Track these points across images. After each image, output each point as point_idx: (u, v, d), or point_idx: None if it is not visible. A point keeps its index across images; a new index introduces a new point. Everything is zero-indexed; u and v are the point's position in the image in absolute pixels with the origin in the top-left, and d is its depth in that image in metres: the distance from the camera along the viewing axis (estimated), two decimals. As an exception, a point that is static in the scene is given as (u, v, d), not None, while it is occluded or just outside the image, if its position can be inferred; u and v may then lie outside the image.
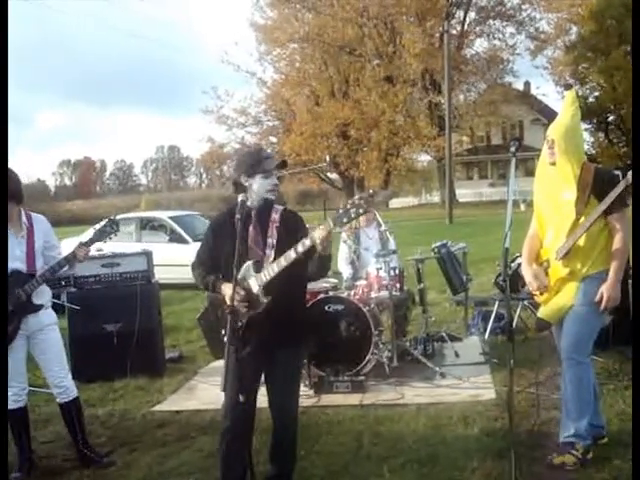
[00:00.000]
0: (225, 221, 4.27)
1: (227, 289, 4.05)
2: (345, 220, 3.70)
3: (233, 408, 4.10)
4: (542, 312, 4.82)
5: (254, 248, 4.13)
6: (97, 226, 5.05)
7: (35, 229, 5.05)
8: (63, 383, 5.13)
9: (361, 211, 3.67)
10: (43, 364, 5.13)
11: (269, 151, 4.39)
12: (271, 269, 3.98)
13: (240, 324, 3.97)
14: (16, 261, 4.93)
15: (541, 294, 4.72)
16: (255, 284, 4.03)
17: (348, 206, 3.69)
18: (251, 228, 4.14)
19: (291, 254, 3.89)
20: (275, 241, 4.11)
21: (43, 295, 5.07)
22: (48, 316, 5.12)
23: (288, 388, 4.23)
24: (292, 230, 4.08)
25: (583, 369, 4.60)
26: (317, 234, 3.77)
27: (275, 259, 4.01)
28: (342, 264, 8.20)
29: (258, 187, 4.16)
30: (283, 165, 4.29)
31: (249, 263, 4.04)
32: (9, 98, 5.41)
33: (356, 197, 3.71)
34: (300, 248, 3.86)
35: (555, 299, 4.67)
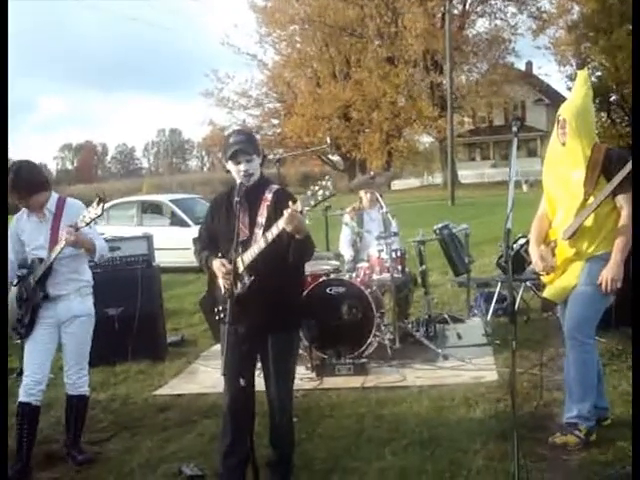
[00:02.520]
0: (222, 201, 4.30)
1: (216, 264, 4.10)
2: (312, 202, 3.67)
3: (231, 390, 4.11)
4: (547, 292, 4.80)
5: (242, 228, 4.11)
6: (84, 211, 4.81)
7: (64, 214, 4.91)
8: (72, 377, 5.02)
9: (327, 193, 3.63)
10: (62, 353, 5.03)
11: (241, 135, 4.26)
12: (253, 250, 3.98)
13: (230, 303, 3.95)
14: (40, 249, 4.86)
15: (547, 274, 4.69)
16: (240, 263, 4.03)
17: (316, 188, 3.65)
18: (241, 208, 4.11)
19: (267, 236, 3.89)
20: (264, 220, 4.07)
21: (68, 283, 4.94)
22: (80, 306, 4.99)
23: (281, 373, 4.20)
24: (282, 210, 4.00)
25: (587, 350, 4.58)
26: (285, 216, 3.74)
27: None
28: (344, 246, 8.18)
29: (234, 172, 4.15)
30: (233, 155, 4.10)
31: (238, 242, 4.03)
32: (10, 83, 5.38)
33: (326, 178, 3.68)
34: (275, 230, 3.84)
35: (560, 279, 4.65)
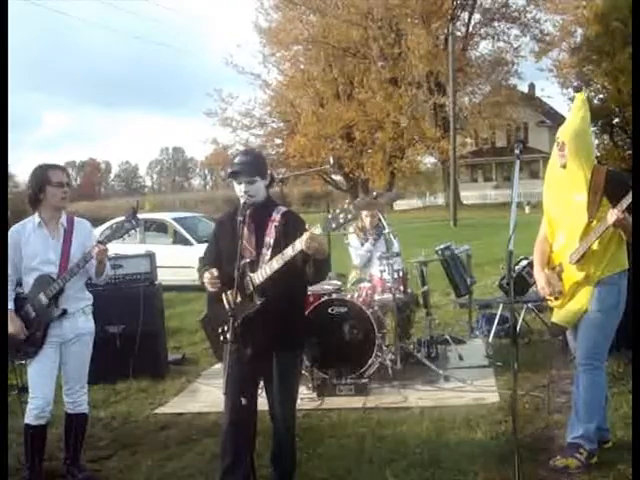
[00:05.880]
0: (227, 220, 4.33)
1: (206, 275, 4.14)
2: (334, 226, 3.70)
3: (232, 410, 4.10)
4: (557, 317, 4.78)
5: (248, 247, 4.13)
6: (115, 221, 4.77)
7: (75, 233, 4.86)
8: (73, 396, 4.97)
9: (349, 217, 3.67)
10: (63, 371, 4.95)
11: (246, 156, 4.28)
12: (264, 270, 3.99)
13: (236, 324, 3.96)
14: (49, 265, 4.76)
15: (556, 299, 4.69)
16: (249, 284, 4.04)
17: (337, 211, 3.68)
18: (245, 228, 4.13)
19: (283, 257, 3.90)
20: (272, 240, 4.09)
21: (76, 301, 4.87)
22: (84, 324, 4.93)
23: (285, 392, 4.21)
24: (292, 232, 4.02)
25: (598, 373, 4.61)
26: (304, 239, 3.76)
27: (271, 259, 4.01)
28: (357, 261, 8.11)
29: (236, 190, 4.18)
30: (233, 175, 4.13)
31: (245, 262, 4.04)
32: (15, 99, 5.40)
33: (346, 202, 3.72)
34: (290, 251, 3.86)
35: (570, 304, 4.64)
